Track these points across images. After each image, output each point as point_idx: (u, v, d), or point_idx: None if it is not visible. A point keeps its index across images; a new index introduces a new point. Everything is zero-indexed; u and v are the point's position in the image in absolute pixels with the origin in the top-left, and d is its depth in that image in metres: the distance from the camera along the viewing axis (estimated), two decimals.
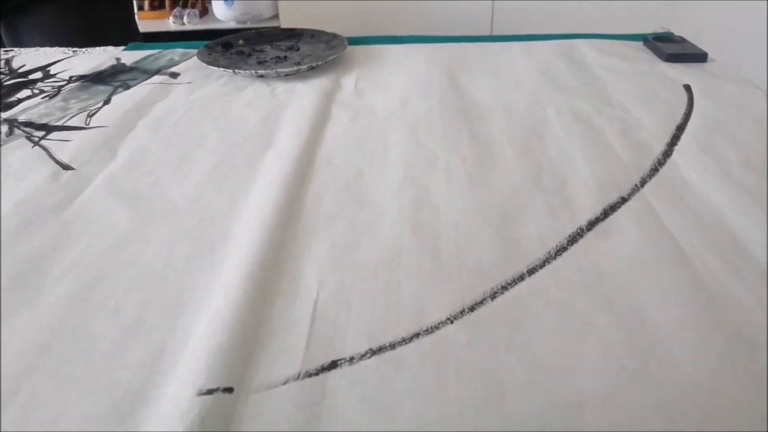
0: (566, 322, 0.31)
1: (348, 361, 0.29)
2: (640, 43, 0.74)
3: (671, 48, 0.69)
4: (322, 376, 0.28)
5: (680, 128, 0.51)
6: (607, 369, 0.28)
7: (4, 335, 0.31)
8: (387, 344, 0.30)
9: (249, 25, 1.43)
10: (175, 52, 0.77)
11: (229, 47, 0.76)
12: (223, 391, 0.27)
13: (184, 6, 1.48)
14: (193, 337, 0.30)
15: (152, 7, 1.51)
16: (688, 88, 0.60)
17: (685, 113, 0.54)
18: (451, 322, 0.31)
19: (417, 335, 0.30)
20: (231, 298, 0.32)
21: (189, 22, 1.45)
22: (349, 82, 0.65)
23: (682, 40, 0.72)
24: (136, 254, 0.37)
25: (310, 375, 0.28)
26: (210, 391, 0.27)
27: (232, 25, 1.44)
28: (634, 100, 0.57)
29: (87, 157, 0.50)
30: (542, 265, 0.35)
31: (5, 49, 0.82)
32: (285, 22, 1.39)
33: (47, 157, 0.50)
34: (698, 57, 0.67)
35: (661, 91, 0.59)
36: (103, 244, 0.38)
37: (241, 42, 0.77)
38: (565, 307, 0.32)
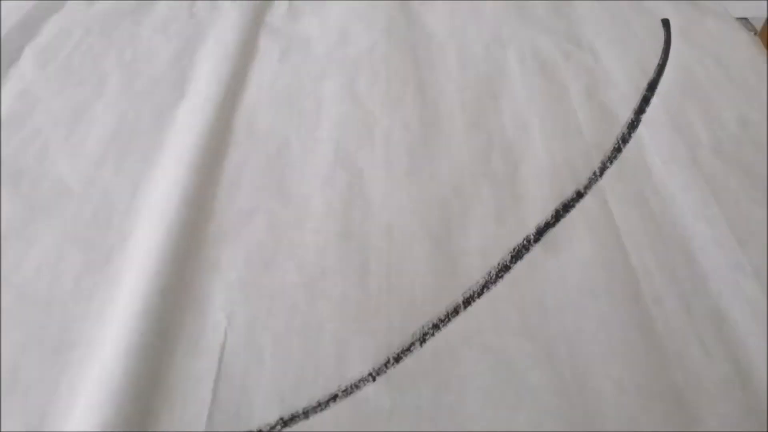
0: (500, 381, 0.28)
1: None
2: None
3: None
4: None
5: (651, 87, 0.46)
6: None
7: None
8: (300, 412, 0.27)
9: None
10: None
11: None
12: None
13: None
14: (79, 404, 0.26)
15: None
16: (666, 24, 0.53)
17: (659, 64, 0.48)
18: (374, 378, 0.28)
19: (335, 398, 0.27)
20: (125, 346, 0.28)
21: None
22: None
23: None
24: (14, 266, 0.32)
25: None
26: None
27: None
28: (607, 41, 0.50)
29: None
30: (480, 291, 0.31)
31: None
32: None
33: None
34: None
35: (638, 28, 0.52)
36: None
37: None
38: (501, 358, 0.29)
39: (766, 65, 0.47)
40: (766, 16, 0.66)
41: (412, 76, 0.46)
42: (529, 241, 0.34)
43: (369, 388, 0.27)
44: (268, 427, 0.26)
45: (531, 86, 0.45)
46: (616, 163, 0.40)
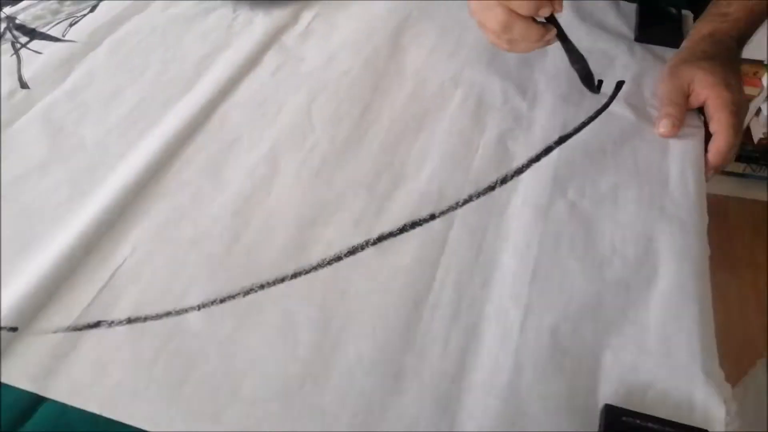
0: (278, 337, 0.38)
1: (108, 324, 0.39)
2: (635, 6, 0.68)
3: (647, 26, 0.64)
4: (79, 333, 0.39)
5: (560, 140, 0.52)
6: None
7: None
8: (143, 316, 0.39)
9: None
10: None
11: None
12: (9, 330, 0.38)
13: None
14: (22, 273, 0.41)
15: None
16: (618, 85, 0.57)
17: (582, 122, 0.53)
18: (198, 309, 0.40)
19: (168, 314, 0.39)
20: (60, 247, 0.42)
21: None
22: (306, 17, 0.68)
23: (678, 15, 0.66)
24: (27, 191, 0.48)
25: (74, 329, 0.39)
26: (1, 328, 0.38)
27: None
28: (553, 93, 0.56)
29: (45, 76, 0.59)
30: (308, 271, 0.42)
31: None
32: None
33: (15, 69, 0.60)
34: (672, 43, 0.62)
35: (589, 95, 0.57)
36: (9, 176, 0.49)
37: None
38: (289, 320, 0.39)
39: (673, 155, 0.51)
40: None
41: (363, 101, 0.56)
42: (367, 243, 0.44)
43: (191, 314, 0.39)
44: (117, 321, 0.39)
45: (454, 124, 0.54)
46: (482, 198, 0.47)
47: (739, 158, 1.53)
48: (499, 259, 0.42)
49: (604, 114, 0.54)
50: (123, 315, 0.39)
